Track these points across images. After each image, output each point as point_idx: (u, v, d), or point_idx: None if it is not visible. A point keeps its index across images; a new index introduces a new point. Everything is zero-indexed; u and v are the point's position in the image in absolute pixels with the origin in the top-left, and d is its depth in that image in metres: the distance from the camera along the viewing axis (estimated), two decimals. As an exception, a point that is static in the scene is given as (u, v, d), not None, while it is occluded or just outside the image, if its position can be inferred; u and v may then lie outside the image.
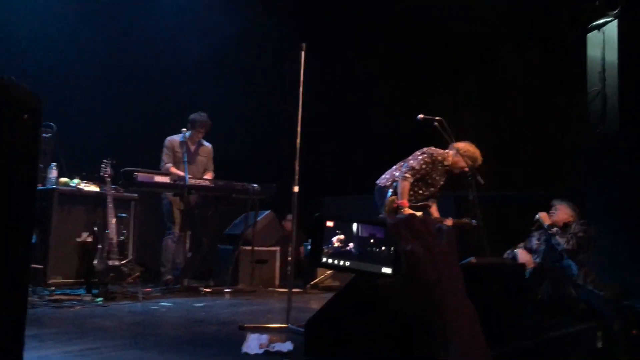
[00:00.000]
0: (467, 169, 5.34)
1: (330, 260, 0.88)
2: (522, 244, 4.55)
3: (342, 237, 0.88)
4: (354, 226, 0.88)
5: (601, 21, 6.31)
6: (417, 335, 2.45)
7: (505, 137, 8.39)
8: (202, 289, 6.05)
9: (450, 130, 5.36)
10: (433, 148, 5.46)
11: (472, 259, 5.21)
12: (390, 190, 5.33)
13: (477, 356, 0.76)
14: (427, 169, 5.32)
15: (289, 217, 7.64)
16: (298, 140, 4.21)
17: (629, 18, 6.13)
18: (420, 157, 5.34)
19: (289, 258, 4.31)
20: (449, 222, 5.39)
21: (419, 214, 5.43)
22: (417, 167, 5.27)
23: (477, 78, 8.64)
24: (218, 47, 8.23)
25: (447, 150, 5.46)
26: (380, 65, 8.59)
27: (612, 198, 5.72)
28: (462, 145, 5.40)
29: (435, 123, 5.40)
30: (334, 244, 0.88)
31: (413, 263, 0.80)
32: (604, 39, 6.27)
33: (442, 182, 5.51)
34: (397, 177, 5.34)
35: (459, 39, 8.38)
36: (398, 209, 5.28)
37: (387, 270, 0.84)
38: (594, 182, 6.04)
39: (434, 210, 5.58)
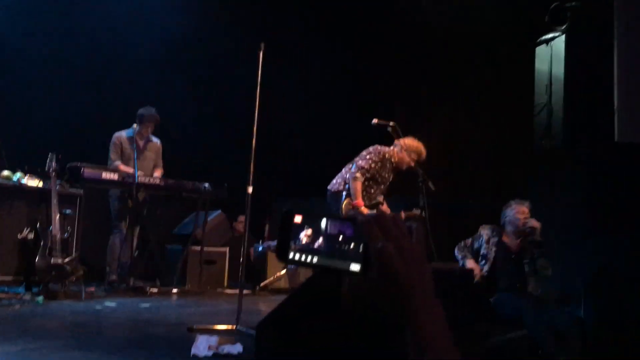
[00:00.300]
0: (412, 164, 5.45)
1: (297, 256, 0.86)
2: (463, 246, 4.49)
3: (309, 232, 0.86)
4: (323, 222, 0.86)
5: (549, 36, 6.53)
6: (379, 336, 2.46)
7: (455, 146, 8.57)
8: (148, 289, 5.91)
9: (403, 135, 5.44)
10: (379, 146, 5.51)
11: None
12: (344, 193, 5.36)
13: (446, 355, 0.77)
14: (377, 167, 5.36)
15: (241, 218, 7.59)
16: (254, 141, 4.17)
17: (576, 33, 6.36)
18: (368, 157, 5.38)
19: (241, 259, 4.26)
20: (401, 215, 5.49)
21: (374, 211, 5.54)
22: (366, 167, 5.31)
23: (429, 87, 8.80)
24: (172, 41, 8.07)
25: (392, 147, 5.53)
26: (334, 67, 8.63)
27: (556, 209, 5.91)
28: (407, 141, 5.50)
29: (389, 128, 5.48)
30: (302, 239, 0.86)
31: (383, 261, 0.79)
32: (551, 53, 6.48)
33: (390, 179, 5.59)
34: (348, 180, 5.37)
35: (413, 48, 8.52)
36: (354, 209, 5.33)
37: (355, 267, 0.83)
38: (538, 193, 6.23)
39: (385, 208, 5.64)
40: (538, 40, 6.69)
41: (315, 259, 0.85)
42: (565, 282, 5.17)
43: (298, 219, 0.87)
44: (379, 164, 5.37)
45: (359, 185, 5.25)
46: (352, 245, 0.84)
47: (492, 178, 7.88)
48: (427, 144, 8.47)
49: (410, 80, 8.80)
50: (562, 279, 5.06)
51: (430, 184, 5.43)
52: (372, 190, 5.44)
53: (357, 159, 5.45)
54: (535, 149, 6.57)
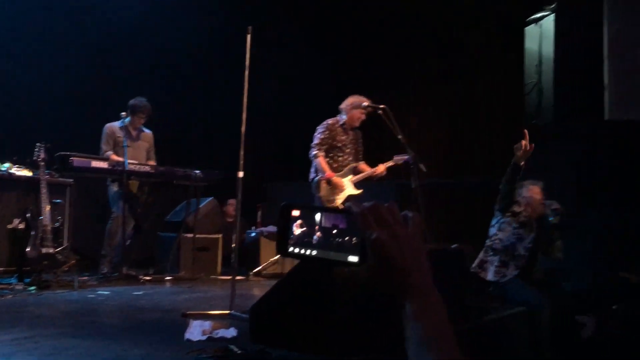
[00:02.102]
0: (364, 116, 5.61)
1: (297, 250, 0.88)
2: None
3: (300, 221, 0.88)
4: (318, 215, 0.88)
5: (539, 15, 6.51)
6: (369, 320, 2.47)
7: (447, 126, 8.57)
8: (141, 277, 5.89)
9: (395, 118, 5.42)
10: (325, 121, 5.68)
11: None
12: (314, 175, 5.56)
13: (445, 342, 0.76)
14: (327, 135, 5.57)
15: (230, 201, 7.57)
16: (243, 127, 4.15)
17: (565, 12, 6.35)
18: (316, 134, 5.61)
19: (233, 245, 4.25)
20: (381, 169, 5.58)
21: (350, 177, 5.53)
22: (318, 141, 5.55)
23: (421, 68, 8.76)
24: (159, 27, 8.00)
25: (338, 116, 5.71)
26: (324, 51, 8.59)
27: (546, 187, 5.93)
28: (346, 101, 5.66)
29: (380, 111, 5.46)
30: (294, 230, 0.88)
31: (379, 250, 0.79)
32: (541, 33, 6.48)
33: (352, 140, 5.69)
34: (312, 162, 5.59)
35: (403, 28, 8.47)
36: (328, 183, 5.45)
37: (353, 258, 0.84)
38: (530, 170, 6.24)
39: (364, 166, 5.74)
40: (527, 20, 6.67)
41: (314, 252, 0.87)
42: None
43: (296, 212, 0.88)
44: (327, 133, 5.58)
45: (321, 160, 5.50)
46: (347, 237, 0.86)
47: (486, 155, 7.88)
48: (419, 123, 8.50)
49: (402, 61, 8.76)
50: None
51: (422, 166, 5.42)
52: (340, 157, 5.61)
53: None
54: (527, 127, 6.57)
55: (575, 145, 6.02)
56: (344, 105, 5.67)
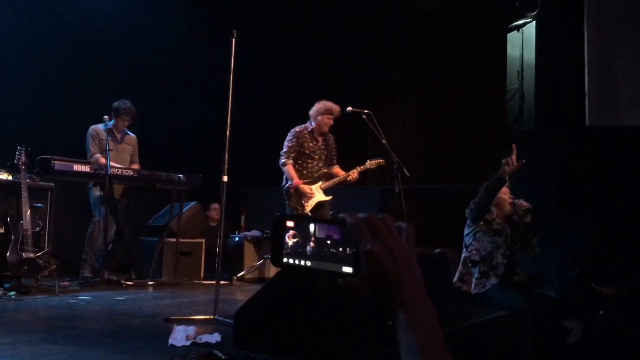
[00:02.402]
0: (331, 122, 5.64)
1: (291, 261, 0.88)
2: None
3: (293, 232, 0.88)
4: (311, 226, 0.88)
5: (521, 22, 6.59)
6: (353, 326, 2.47)
7: (430, 131, 8.63)
8: (123, 282, 5.84)
9: (378, 123, 5.46)
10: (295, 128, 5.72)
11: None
12: (284, 183, 5.60)
13: (438, 350, 0.77)
14: (295, 143, 5.59)
15: (214, 205, 7.55)
16: (228, 131, 4.14)
17: (547, 20, 6.43)
18: (285, 143, 5.64)
19: (217, 249, 4.23)
20: (354, 174, 5.59)
21: (319, 183, 5.53)
22: (286, 149, 5.59)
23: (403, 73, 8.82)
24: (143, 31, 7.96)
25: (307, 123, 5.74)
26: (307, 56, 8.60)
27: (528, 192, 5.99)
28: (315, 107, 5.69)
29: (364, 116, 5.51)
30: (287, 241, 0.88)
31: (373, 262, 0.79)
32: (522, 39, 6.55)
33: (322, 146, 5.70)
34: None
35: (386, 34, 8.52)
36: (297, 190, 5.48)
37: (348, 269, 0.84)
38: (510, 176, 6.29)
39: (338, 170, 5.75)
40: (509, 27, 6.75)
41: (308, 263, 0.87)
42: (538, 264, 5.25)
43: (290, 223, 0.89)
44: (295, 141, 5.60)
45: (289, 168, 5.55)
46: (341, 248, 0.86)
47: (468, 161, 7.95)
48: (402, 128, 8.54)
49: (384, 67, 8.81)
50: (534, 258, 5.12)
51: (405, 171, 5.46)
52: (310, 164, 5.63)
53: None
54: (508, 133, 6.64)
55: (556, 151, 6.09)
56: (312, 111, 5.69)
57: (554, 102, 6.50)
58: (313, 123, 5.65)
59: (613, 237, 5.42)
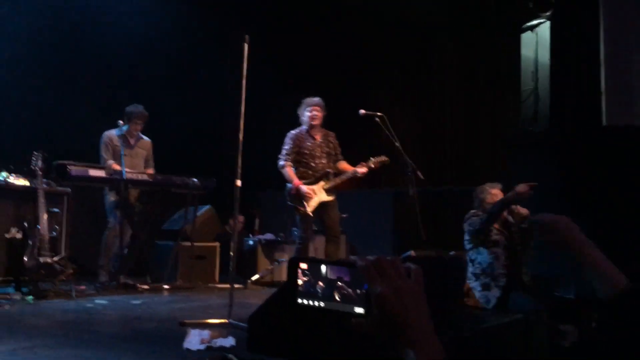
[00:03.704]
0: (317, 113, 5.57)
1: (305, 301, 0.92)
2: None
3: (305, 273, 0.93)
4: (323, 268, 0.91)
5: (534, 22, 6.54)
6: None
7: (440, 133, 8.59)
8: (139, 286, 5.88)
9: (392, 125, 5.45)
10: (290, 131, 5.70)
11: (412, 252, 5.32)
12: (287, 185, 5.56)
13: None
14: (293, 144, 5.56)
15: (240, 218, 7.52)
16: (241, 135, 4.16)
17: (561, 20, 6.37)
18: (284, 144, 5.61)
19: (231, 253, 4.25)
20: (362, 168, 5.51)
21: (321, 183, 5.47)
22: (285, 151, 5.56)
23: (411, 75, 8.79)
24: (155, 35, 8.02)
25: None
26: (315, 59, 8.60)
27: (540, 194, 5.94)
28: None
29: (377, 119, 5.49)
30: (300, 282, 0.92)
31: (382, 304, 0.82)
32: (537, 40, 6.50)
33: (321, 143, 5.64)
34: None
35: (394, 35, 8.49)
36: (298, 191, 5.41)
37: (360, 310, 0.87)
38: (522, 177, 6.24)
39: (345, 166, 5.66)
40: (523, 27, 6.70)
41: (322, 304, 0.91)
42: (553, 265, 5.19)
43: (304, 266, 0.93)
44: (291, 143, 5.57)
45: (288, 170, 5.52)
46: (351, 289, 0.89)
47: (484, 162, 7.90)
48: (408, 131, 8.52)
49: (399, 70, 8.79)
50: (550, 261, 5.07)
51: (420, 174, 5.44)
52: (313, 163, 5.57)
53: None
54: (523, 133, 6.60)
55: (571, 152, 6.03)
56: (298, 112, 5.70)
57: (570, 102, 6.44)
58: (304, 122, 5.65)
59: (632, 237, 5.35)
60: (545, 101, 6.35)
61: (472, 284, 4.10)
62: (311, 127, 5.61)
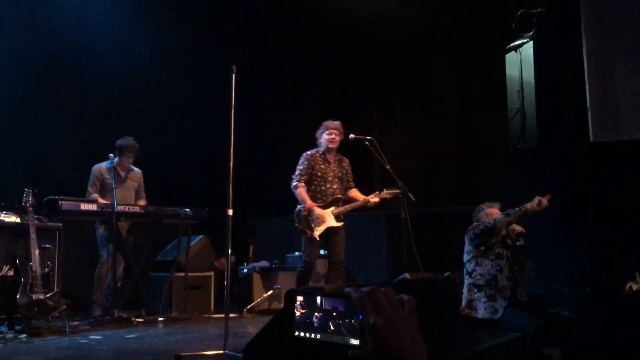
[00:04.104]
0: (335, 137, 5.55)
1: (302, 334, 0.94)
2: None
3: (301, 305, 0.95)
4: (318, 299, 0.93)
5: (518, 42, 6.65)
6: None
7: (432, 154, 8.64)
8: (133, 319, 5.83)
9: (381, 148, 5.50)
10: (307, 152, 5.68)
11: (406, 275, 5.32)
12: (298, 206, 5.51)
13: None
14: (307, 165, 5.54)
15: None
16: (231, 163, 4.17)
17: (544, 38, 6.48)
18: (298, 164, 5.59)
19: (225, 282, 4.23)
20: (374, 198, 5.54)
21: (332, 208, 5.44)
22: (300, 172, 5.53)
23: (404, 97, 8.87)
24: (145, 66, 8.07)
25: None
26: (308, 83, 8.67)
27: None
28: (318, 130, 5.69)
29: (367, 142, 5.54)
30: (296, 313, 0.95)
31: (376, 336, 0.83)
32: (521, 59, 6.60)
33: (335, 168, 5.65)
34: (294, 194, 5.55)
35: (385, 59, 8.59)
36: (309, 213, 5.39)
37: (355, 341, 0.90)
38: (515, 195, 6.29)
39: (357, 194, 5.67)
40: (507, 47, 6.81)
41: (318, 336, 0.93)
42: (546, 282, 5.20)
43: (300, 298, 0.95)
44: (306, 164, 5.55)
45: (301, 190, 5.48)
46: (346, 320, 0.91)
47: (474, 182, 7.94)
48: (403, 152, 8.57)
49: (385, 91, 8.87)
50: (542, 278, 5.08)
51: (411, 195, 5.47)
52: (324, 186, 5.55)
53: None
54: (512, 152, 6.65)
55: (560, 168, 6.07)
56: (317, 134, 5.70)
57: (556, 119, 6.51)
58: (322, 144, 5.64)
59: (622, 252, 5.37)
60: (532, 119, 6.42)
61: (475, 295, 4.09)
62: (328, 150, 5.61)
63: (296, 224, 5.47)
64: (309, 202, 5.40)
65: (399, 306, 0.86)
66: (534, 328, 3.77)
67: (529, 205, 4.07)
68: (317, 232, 5.39)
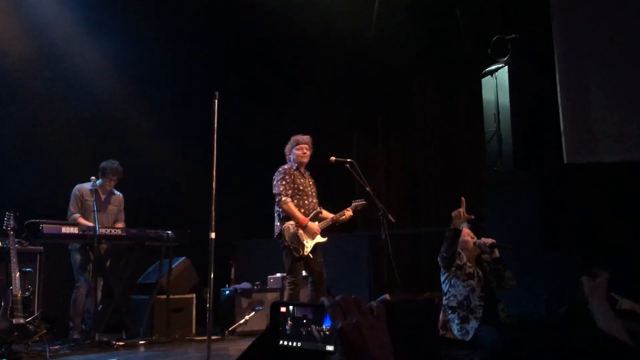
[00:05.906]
0: (306, 151, 5.52)
1: (286, 342, 0.99)
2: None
3: (284, 315, 1.00)
4: (290, 308, 1.00)
5: (493, 67, 6.83)
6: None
7: (413, 175, 8.76)
8: (114, 342, 5.80)
9: (361, 171, 5.58)
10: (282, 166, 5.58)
11: (387, 296, 5.37)
12: (279, 226, 5.36)
13: None
14: (288, 180, 5.39)
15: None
16: (214, 185, 4.22)
17: (518, 63, 6.67)
18: (275, 183, 5.42)
19: (208, 305, 4.25)
20: (348, 212, 5.54)
21: (315, 224, 5.30)
22: (281, 188, 5.34)
23: (386, 119, 9.01)
24: (128, 89, 8.11)
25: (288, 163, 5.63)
26: (290, 105, 8.76)
27: (511, 230, 6.09)
28: (286, 146, 5.64)
29: (347, 165, 5.61)
30: (281, 323, 1.00)
31: (343, 339, 0.89)
32: (496, 83, 6.78)
33: (310, 183, 5.61)
34: (278, 212, 5.40)
35: (367, 81, 8.74)
36: (304, 228, 5.28)
37: (330, 348, 0.94)
38: (493, 216, 6.42)
39: (325, 212, 5.61)
40: (483, 72, 6.98)
41: (299, 344, 0.98)
42: (526, 300, 5.30)
43: (283, 309, 1.01)
44: (287, 178, 5.41)
45: (291, 206, 5.30)
46: (311, 327, 0.97)
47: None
48: (385, 173, 8.67)
49: (368, 113, 9.01)
50: (523, 297, 5.18)
51: (391, 217, 5.54)
52: (306, 201, 5.48)
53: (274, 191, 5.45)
54: (489, 174, 6.79)
55: (536, 190, 6.22)
56: (286, 150, 5.62)
57: (531, 142, 6.67)
58: (292, 160, 5.55)
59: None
60: (508, 141, 6.57)
61: (449, 316, 4.17)
62: (300, 164, 5.55)
63: (285, 243, 5.27)
64: (302, 219, 5.26)
65: (367, 312, 0.92)
66: (500, 344, 3.84)
67: (452, 223, 4.19)
68: (308, 248, 5.25)
